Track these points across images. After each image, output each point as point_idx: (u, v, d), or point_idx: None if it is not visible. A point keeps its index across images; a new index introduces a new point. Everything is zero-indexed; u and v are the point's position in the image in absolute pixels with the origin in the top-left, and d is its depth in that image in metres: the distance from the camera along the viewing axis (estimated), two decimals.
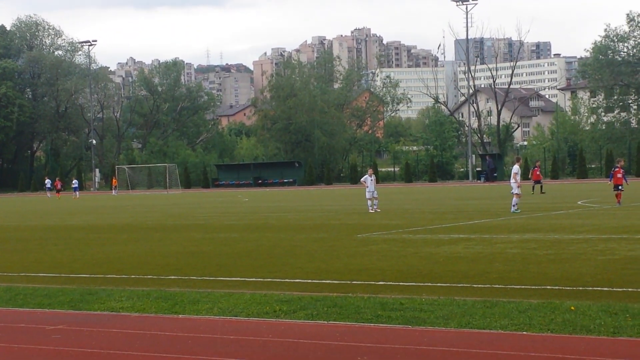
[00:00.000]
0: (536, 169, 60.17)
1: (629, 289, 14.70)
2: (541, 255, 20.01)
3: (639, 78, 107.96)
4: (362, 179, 42.50)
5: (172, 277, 18.17)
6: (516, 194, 37.04)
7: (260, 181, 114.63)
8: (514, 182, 37.18)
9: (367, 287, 15.76)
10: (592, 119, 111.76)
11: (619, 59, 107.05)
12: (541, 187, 57.76)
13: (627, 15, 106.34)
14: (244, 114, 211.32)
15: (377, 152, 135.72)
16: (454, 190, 74.39)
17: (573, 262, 18.49)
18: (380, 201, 42.79)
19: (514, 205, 37.03)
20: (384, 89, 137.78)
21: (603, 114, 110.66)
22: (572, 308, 12.72)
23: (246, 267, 19.53)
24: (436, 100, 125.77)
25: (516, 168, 38.03)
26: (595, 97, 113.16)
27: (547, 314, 12.48)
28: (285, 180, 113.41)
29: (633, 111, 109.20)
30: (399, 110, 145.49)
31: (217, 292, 15.56)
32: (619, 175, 38.99)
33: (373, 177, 42.11)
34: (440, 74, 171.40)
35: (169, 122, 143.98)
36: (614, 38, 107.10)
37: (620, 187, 38.99)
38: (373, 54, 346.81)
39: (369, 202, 40.84)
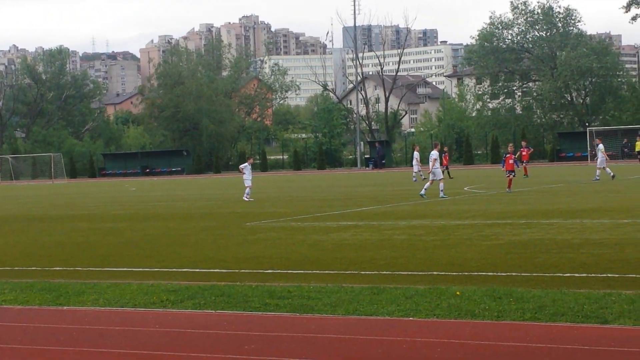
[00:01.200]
0: (446, 154, 60.80)
1: (513, 273, 14.95)
2: (428, 241, 20.23)
3: (523, 65, 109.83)
4: (241, 166, 41.84)
5: (57, 268, 17.86)
6: (440, 179, 36.76)
7: (147, 170, 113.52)
8: (436, 167, 36.80)
9: (255, 276, 15.74)
10: (478, 106, 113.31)
11: (504, 46, 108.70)
12: (448, 172, 57.84)
13: (512, 2, 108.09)
14: (131, 102, 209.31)
15: (265, 140, 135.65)
16: (343, 178, 74.82)
17: (459, 248, 18.74)
18: (269, 189, 42.75)
19: (442, 191, 36.55)
20: (273, 76, 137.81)
21: (488, 100, 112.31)
22: (458, 293, 12.88)
23: (133, 257, 19.31)
24: (325, 87, 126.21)
25: (435, 154, 37.47)
26: (480, 84, 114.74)
27: (433, 299, 12.62)
28: (173, 169, 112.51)
29: (517, 98, 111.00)
30: (287, 97, 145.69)
31: (103, 282, 15.35)
32: (511, 161, 39.37)
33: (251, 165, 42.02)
34: (328, 61, 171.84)
35: (54, 111, 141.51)
36: (499, 25, 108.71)
37: (513, 173, 39.26)
38: (261, 41, 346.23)
39: (249, 190, 40.26)
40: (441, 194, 36.25)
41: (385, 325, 11.32)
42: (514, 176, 39.40)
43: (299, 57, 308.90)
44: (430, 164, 36.99)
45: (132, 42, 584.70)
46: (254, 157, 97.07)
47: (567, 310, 11.50)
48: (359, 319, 11.73)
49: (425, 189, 37.13)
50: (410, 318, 11.62)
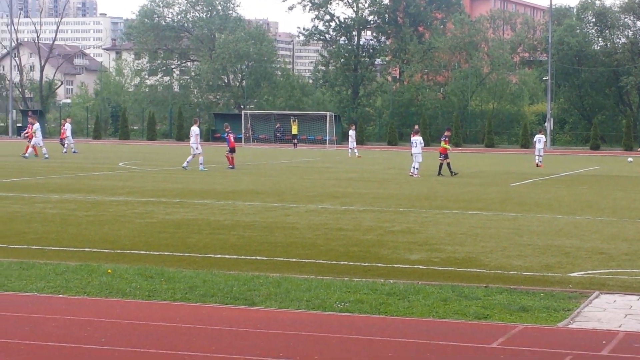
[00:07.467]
0: (64, 130, 59.21)
1: (165, 253, 15.09)
2: (81, 217, 19.99)
3: (182, 44, 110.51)
4: None
5: None
6: (199, 153, 39.35)
7: None
8: (195, 142, 39.76)
9: None
10: (136, 81, 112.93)
11: (164, 23, 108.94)
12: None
13: None
14: None
15: None
16: None
17: (112, 225, 18.64)
18: None
19: (201, 164, 39.09)
20: None
21: (147, 76, 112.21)
22: (109, 271, 12.84)
23: None
24: None
25: (195, 129, 40.53)
26: (139, 60, 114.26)
27: (85, 276, 12.52)
28: None
29: (176, 76, 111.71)
30: None
31: None
32: (232, 139, 41.22)
33: None
34: None
35: None
36: (160, 3, 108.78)
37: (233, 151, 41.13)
38: None
39: None
40: (201, 167, 38.97)
41: (34, 302, 11.12)
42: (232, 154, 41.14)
43: None
44: (192, 139, 40.28)
45: None
46: None
47: (217, 291, 11.75)
48: (6, 295, 11.46)
49: (201, 163, 39.21)
50: (60, 295, 11.49)
